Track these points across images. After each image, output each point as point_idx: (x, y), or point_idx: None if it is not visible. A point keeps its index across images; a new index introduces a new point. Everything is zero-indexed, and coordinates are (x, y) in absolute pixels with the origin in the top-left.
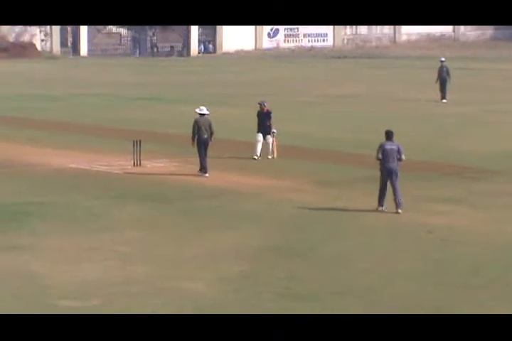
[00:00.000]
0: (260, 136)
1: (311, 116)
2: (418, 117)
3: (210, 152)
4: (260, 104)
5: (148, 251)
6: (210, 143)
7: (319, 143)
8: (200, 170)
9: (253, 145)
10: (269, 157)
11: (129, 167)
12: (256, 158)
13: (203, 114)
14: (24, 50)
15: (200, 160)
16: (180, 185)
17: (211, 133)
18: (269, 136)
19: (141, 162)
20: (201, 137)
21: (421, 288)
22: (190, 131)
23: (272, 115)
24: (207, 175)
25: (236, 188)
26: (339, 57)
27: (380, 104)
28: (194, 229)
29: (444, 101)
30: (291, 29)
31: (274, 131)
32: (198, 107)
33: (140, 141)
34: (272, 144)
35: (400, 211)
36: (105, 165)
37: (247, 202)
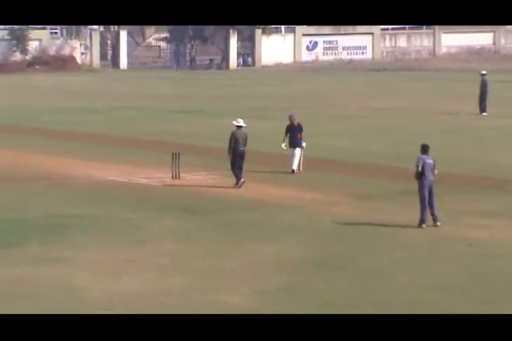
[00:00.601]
0: (292, 150)
1: (350, 130)
2: (457, 130)
3: (247, 165)
4: (290, 117)
5: (186, 264)
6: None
7: (358, 156)
8: (237, 183)
9: (288, 159)
10: (293, 169)
11: (168, 179)
12: (294, 171)
13: (240, 127)
14: (64, 63)
15: (234, 173)
16: (219, 198)
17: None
18: (298, 149)
19: (180, 174)
20: (238, 149)
21: (464, 303)
22: (228, 144)
23: (304, 128)
24: (239, 186)
25: (275, 201)
26: (378, 70)
27: (419, 117)
28: (233, 242)
29: (484, 114)
30: (330, 42)
31: (304, 144)
32: (236, 120)
33: (179, 154)
34: (300, 158)
35: (438, 224)
36: (144, 178)
37: (285, 214)
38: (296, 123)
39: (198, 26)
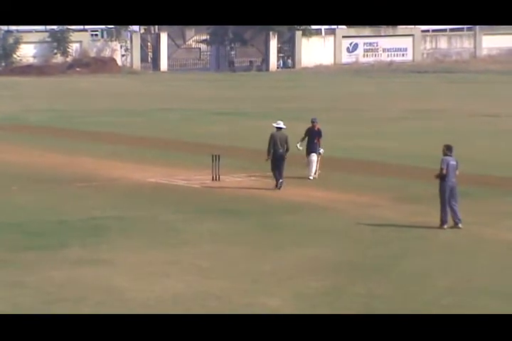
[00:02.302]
0: (309, 157)
1: (390, 132)
2: (498, 132)
3: (287, 167)
4: (312, 120)
5: (226, 266)
6: (284, 155)
7: (398, 158)
8: (276, 185)
9: (306, 167)
10: (311, 177)
11: (208, 181)
12: (311, 178)
13: (280, 128)
14: (105, 65)
15: (274, 175)
16: (259, 200)
17: (287, 149)
18: (314, 155)
19: (220, 176)
20: (277, 151)
21: (507, 306)
22: (267, 145)
23: (323, 134)
24: (278, 187)
25: (314, 203)
26: (419, 72)
27: (459, 119)
28: (272, 244)
29: None
30: (370, 44)
31: (322, 150)
32: (276, 121)
33: (219, 156)
34: (317, 164)
35: (460, 226)
36: (184, 180)
37: (325, 217)
38: (316, 128)
39: (238, 28)
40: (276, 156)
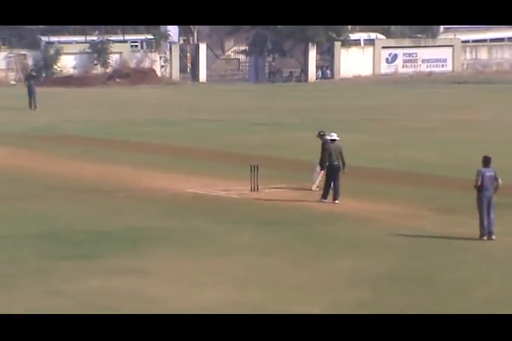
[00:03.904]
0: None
1: (428, 142)
2: None
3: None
4: (322, 133)
5: (264, 276)
6: (342, 171)
7: (436, 169)
8: (324, 196)
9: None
10: (314, 188)
11: (247, 192)
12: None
13: (334, 140)
14: (144, 76)
15: (326, 187)
16: (297, 210)
17: (343, 162)
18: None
19: (259, 187)
20: (332, 164)
21: None
22: (305, 156)
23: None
24: (326, 200)
25: (352, 214)
26: (458, 83)
27: (499, 130)
28: (310, 254)
29: None
30: (409, 54)
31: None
32: (329, 133)
33: (257, 166)
34: (318, 175)
35: (494, 237)
36: (223, 190)
37: (363, 227)
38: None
39: (277, 39)
40: (333, 168)
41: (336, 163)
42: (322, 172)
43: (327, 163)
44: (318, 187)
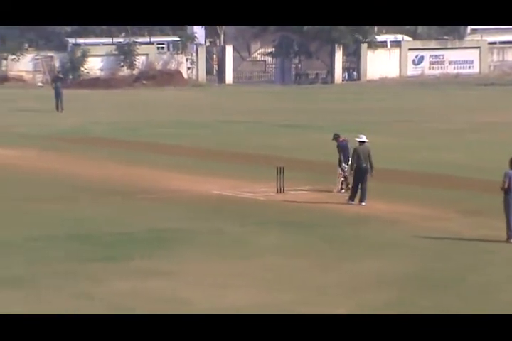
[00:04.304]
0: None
1: (456, 144)
2: None
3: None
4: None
5: (291, 278)
6: (370, 173)
7: (463, 170)
8: (350, 198)
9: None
10: (335, 191)
11: (273, 194)
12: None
13: (363, 142)
14: (171, 77)
15: (354, 188)
16: (323, 212)
17: (371, 165)
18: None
19: (285, 189)
20: (361, 166)
21: None
22: (332, 158)
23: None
24: (353, 202)
25: (378, 215)
26: (485, 85)
27: None
28: (337, 256)
29: None
30: (436, 56)
31: (346, 166)
32: (358, 135)
33: (283, 168)
34: (339, 177)
35: None
36: (249, 192)
37: (390, 229)
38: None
39: (303, 41)
40: (361, 170)
41: (364, 165)
42: (341, 173)
43: (355, 165)
44: (343, 188)
